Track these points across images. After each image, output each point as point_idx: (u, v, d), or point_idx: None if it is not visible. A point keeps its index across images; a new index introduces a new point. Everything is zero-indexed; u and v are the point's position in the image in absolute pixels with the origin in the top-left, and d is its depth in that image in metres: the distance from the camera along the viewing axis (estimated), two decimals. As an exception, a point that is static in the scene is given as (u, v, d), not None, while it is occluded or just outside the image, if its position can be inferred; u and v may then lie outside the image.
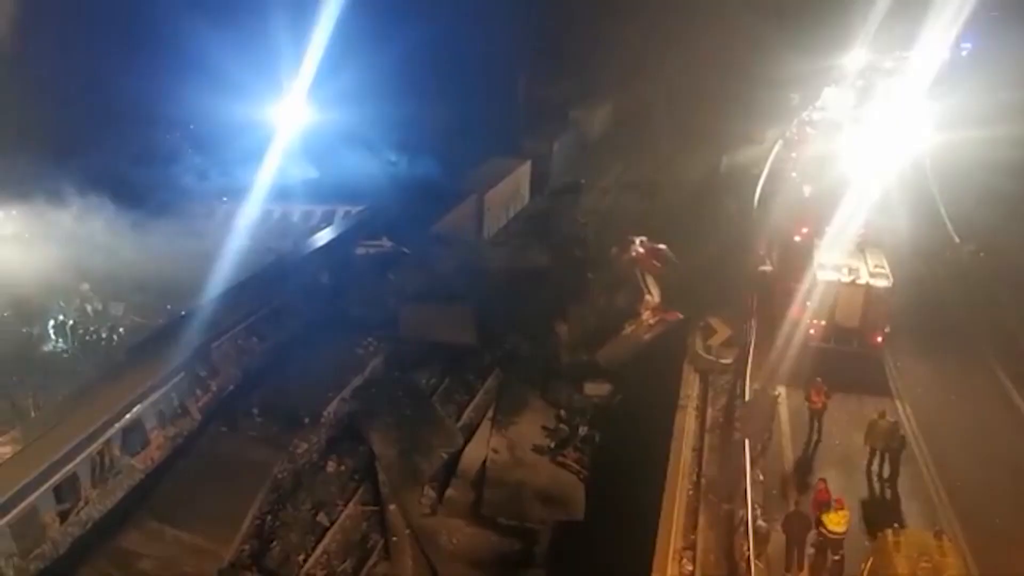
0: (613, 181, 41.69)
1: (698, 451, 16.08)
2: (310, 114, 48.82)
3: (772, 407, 16.51)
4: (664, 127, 46.44)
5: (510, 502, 16.57)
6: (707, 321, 20.73)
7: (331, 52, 44.33)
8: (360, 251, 27.91)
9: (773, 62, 49.94)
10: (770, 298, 20.61)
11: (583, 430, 19.39)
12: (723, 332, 20.28)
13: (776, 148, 42.92)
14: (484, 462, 17.87)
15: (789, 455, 15.59)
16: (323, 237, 30.34)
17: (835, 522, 11.81)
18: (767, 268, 23.15)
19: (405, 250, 27.85)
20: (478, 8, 44.28)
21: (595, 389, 21.11)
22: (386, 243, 28.25)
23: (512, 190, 38.08)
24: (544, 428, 19.60)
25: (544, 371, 21.85)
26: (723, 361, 19.42)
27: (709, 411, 17.68)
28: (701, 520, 13.78)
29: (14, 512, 14.02)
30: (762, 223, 28.00)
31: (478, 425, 19.31)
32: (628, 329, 22.59)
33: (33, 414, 25.54)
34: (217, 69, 45.47)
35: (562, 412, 20.22)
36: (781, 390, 17.27)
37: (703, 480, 14.89)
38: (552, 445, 18.86)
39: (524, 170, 39.75)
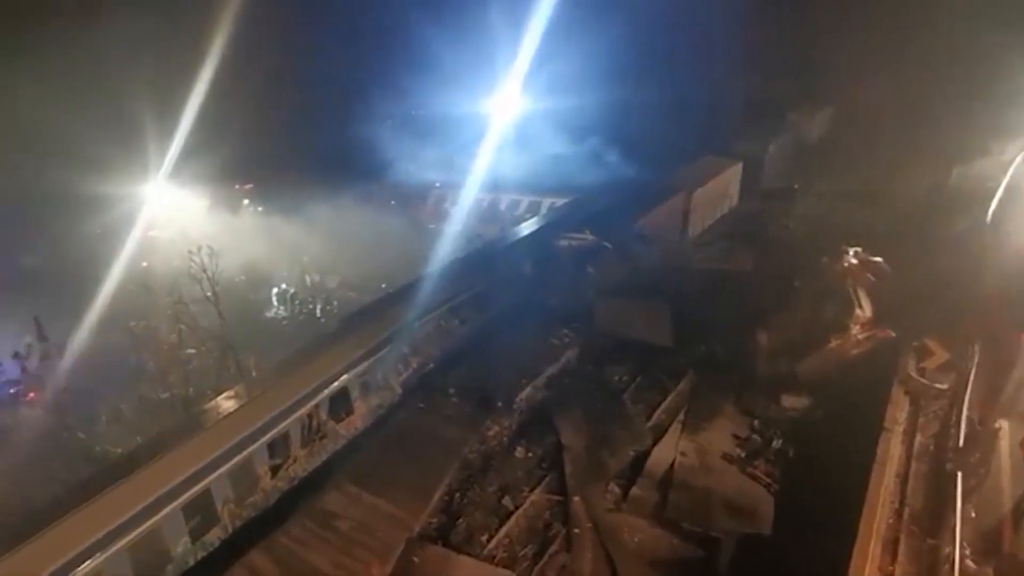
0: (830, 187, 39.72)
1: (903, 479, 15.08)
2: (523, 104, 49.72)
3: (992, 441, 15.23)
4: (890, 135, 43.61)
5: (695, 508, 16.22)
6: (923, 342, 19.37)
7: (544, 42, 44.85)
8: (562, 243, 28.22)
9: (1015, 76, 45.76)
10: (997, 322, 18.96)
11: (777, 443, 18.62)
12: (940, 355, 18.87)
13: (1017, 162, 39.31)
14: (672, 464, 17.60)
15: (1007, 494, 14.32)
16: (528, 227, 30.91)
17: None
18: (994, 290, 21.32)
19: (607, 244, 27.86)
20: (698, -2, 43.47)
21: (793, 402, 20.23)
22: (588, 236, 28.39)
23: (721, 190, 37.18)
24: (735, 437, 19.00)
25: (740, 378, 21.17)
26: (938, 386, 18.10)
27: (918, 438, 16.55)
28: (901, 553, 12.93)
29: (233, 462, 15.36)
30: (995, 241, 25.77)
31: (668, 427, 19.02)
32: (834, 343, 21.48)
33: (254, 373, 27.83)
34: (435, 58, 47.34)
35: (756, 422, 19.51)
36: (1003, 424, 15.90)
37: (906, 510, 13.96)
38: (743, 455, 18.26)
39: (735, 171, 38.70)
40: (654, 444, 18.34)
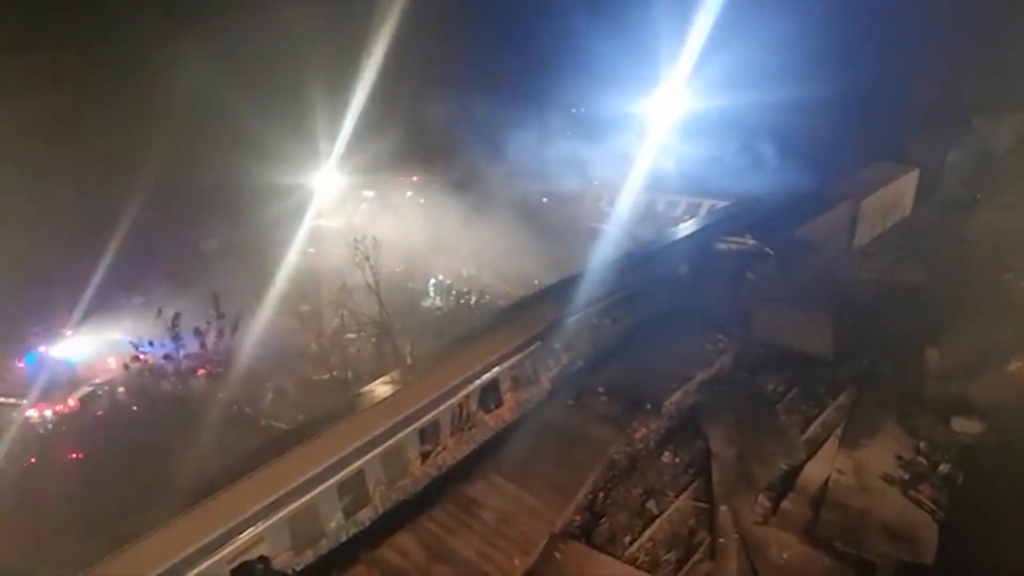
0: (1017, 198, 36.92)
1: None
2: (685, 102, 48.88)
3: None
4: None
5: (850, 528, 15.51)
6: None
7: (709, 38, 43.79)
8: (721, 246, 27.58)
9: None
10: None
11: (944, 467, 17.53)
12: None
13: None
14: (826, 481, 16.90)
15: None
16: (685, 228, 30.39)
17: None
18: None
19: (768, 250, 27.01)
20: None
21: (965, 426, 18.97)
22: (749, 241, 27.60)
23: (893, 199, 35.30)
24: (898, 458, 18.02)
25: (906, 397, 20.07)
26: None
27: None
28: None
29: (386, 445, 15.89)
30: None
31: (823, 442, 18.28)
32: (1014, 366, 20.07)
33: (409, 361, 28.69)
34: (597, 54, 47.22)
35: (922, 444, 18.44)
36: None
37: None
38: (906, 477, 17.30)
39: (910, 178, 36.63)
40: (808, 458, 17.68)
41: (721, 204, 37.27)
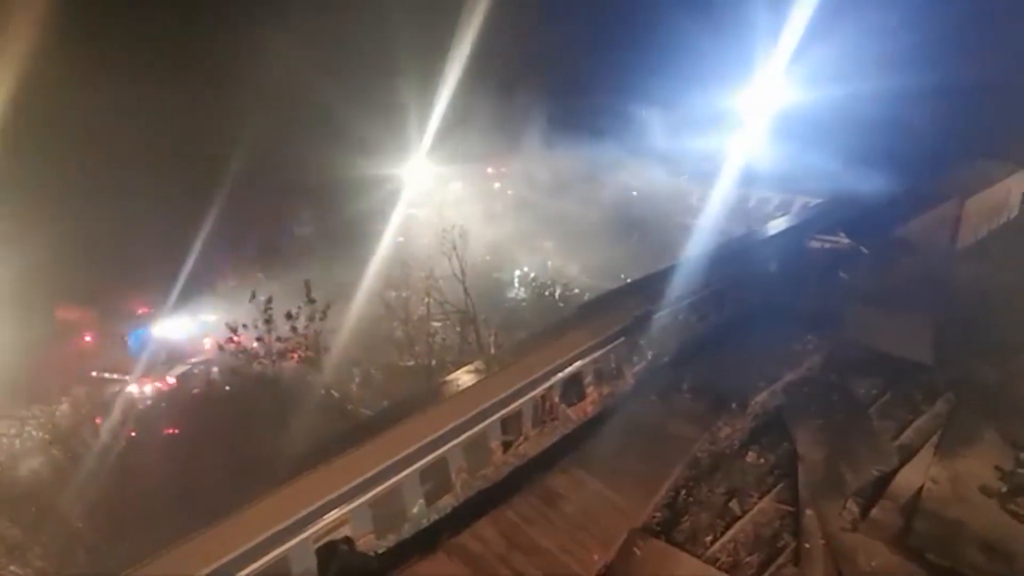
0: None
1: None
2: (781, 96, 47.85)
3: None
4: None
5: (944, 540, 14.93)
6: None
7: (807, 30, 42.65)
8: (814, 244, 26.92)
9: None
10: None
11: (1047, 481, 16.78)
12: None
13: None
14: (920, 490, 16.31)
15: None
16: (776, 225, 29.76)
17: None
18: None
19: (863, 249, 26.22)
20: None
21: (1070, 438, 18.11)
22: (843, 239, 26.86)
23: (1000, 199, 33.84)
24: (997, 468, 17.26)
25: (1008, 405, 19.22)
26: None
27: None
28: None
29: (469, 434, 16.02)
30: None
31: (918, 449, 17.62)
32: (1124, 375, 19.04)
33: (493, 351, 28.86)
34: (691, 47, 46.50)
35: (1022, 455, 17.66)
36: None
37: None
38: (1005, 489, 16.56)
39: (1018, 179, 35.06)
40: (901, 465, 17.07)
41: (815, 201, 36.36)
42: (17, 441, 35.48)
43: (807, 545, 14.78)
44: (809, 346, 21.58)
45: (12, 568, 24.89)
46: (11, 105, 40.76)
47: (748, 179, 42.97)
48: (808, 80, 44.23)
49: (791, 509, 15.81)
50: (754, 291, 23.83)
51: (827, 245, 26.78)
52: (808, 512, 15.55)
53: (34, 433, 35.58)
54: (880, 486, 16.55)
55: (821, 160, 38.72)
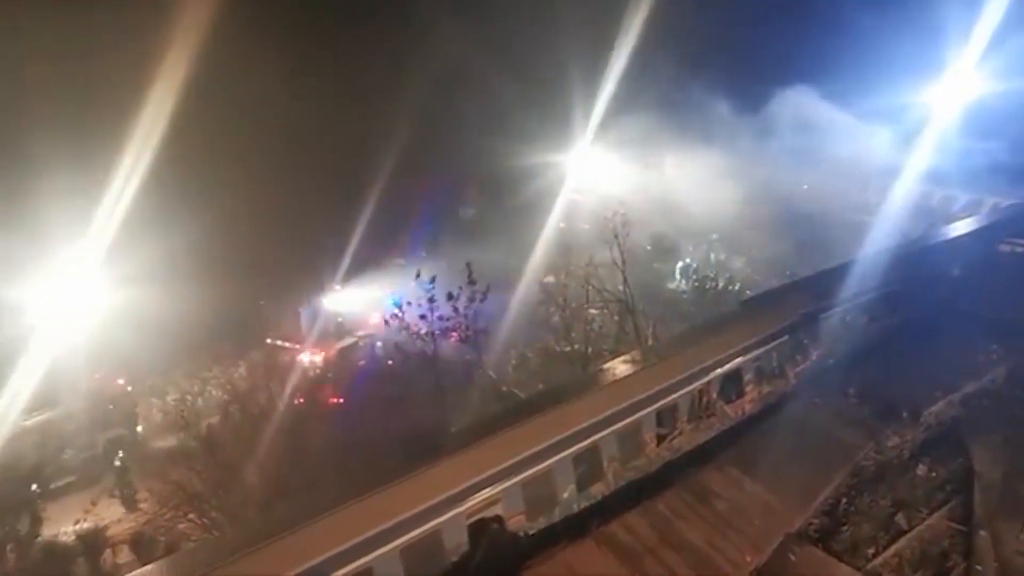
0: None
1: None
2: (973, 88, 44.88)
3: None
4: None
5: None
6: None
7: (1003, 20, 39.70)
8: (1004, 248, 25.15)
9: None
10: None
11: None
12: None
13: None
14: (1112, 519, 15.03)
15: None
16: (960, 227, 27.95)
17: None
18: None
19: (1060, 254, 24.29)
20: None
21: None
22: (1038, 244, 24.99)
23: None
24: None
25: None
26: None
27: None
28: None
29: (623, 423, 15.99)
30: None
31: (1112, 474, 16.25)
32: None
33: (650, 341, 28.65)
34: (878, 37, 44.30)
35: None
36: None
37: None
38: None
39: None
40: (1091, 491, 15.77)
41: (1008, 202, 33.88)
42: (200, 399, 38.50)
43: (979, 567, 13.90)
44: (993, 356, 20.17)
45: (190, 516, 27.07)
46: (215, 115, 44.89)
47: (933, 176, 40.58)
48: (1004, 72, 41.25)
49: (963, 528, 14.89)
50: (933, 295, 22.51)
51: (1019, 250, 24.98)
52: (982, 533, 14.61)
53: (214, 392, 38.53)
54: (1064, 512, 15.40)
55: (1017, 158, 36.08)
